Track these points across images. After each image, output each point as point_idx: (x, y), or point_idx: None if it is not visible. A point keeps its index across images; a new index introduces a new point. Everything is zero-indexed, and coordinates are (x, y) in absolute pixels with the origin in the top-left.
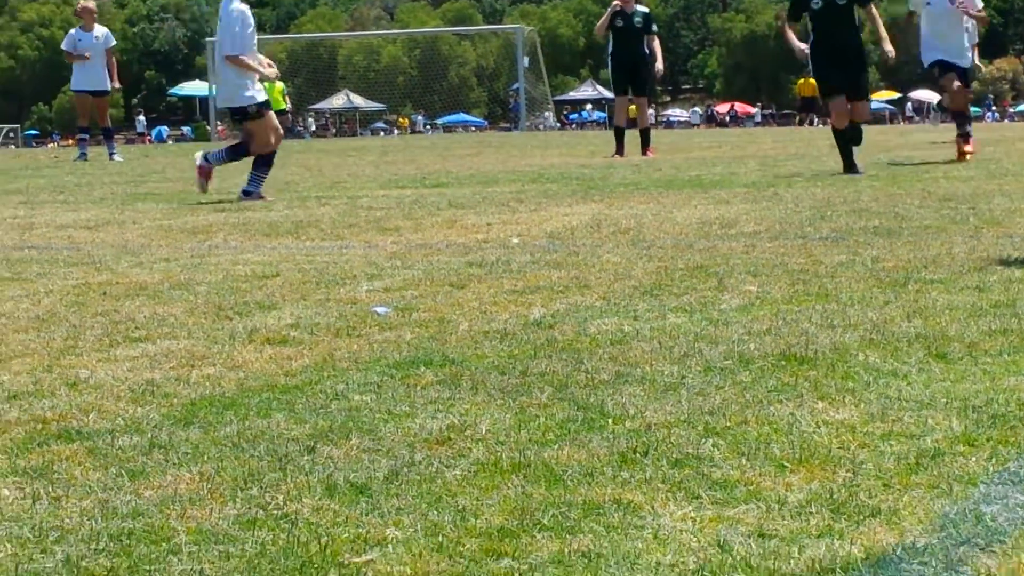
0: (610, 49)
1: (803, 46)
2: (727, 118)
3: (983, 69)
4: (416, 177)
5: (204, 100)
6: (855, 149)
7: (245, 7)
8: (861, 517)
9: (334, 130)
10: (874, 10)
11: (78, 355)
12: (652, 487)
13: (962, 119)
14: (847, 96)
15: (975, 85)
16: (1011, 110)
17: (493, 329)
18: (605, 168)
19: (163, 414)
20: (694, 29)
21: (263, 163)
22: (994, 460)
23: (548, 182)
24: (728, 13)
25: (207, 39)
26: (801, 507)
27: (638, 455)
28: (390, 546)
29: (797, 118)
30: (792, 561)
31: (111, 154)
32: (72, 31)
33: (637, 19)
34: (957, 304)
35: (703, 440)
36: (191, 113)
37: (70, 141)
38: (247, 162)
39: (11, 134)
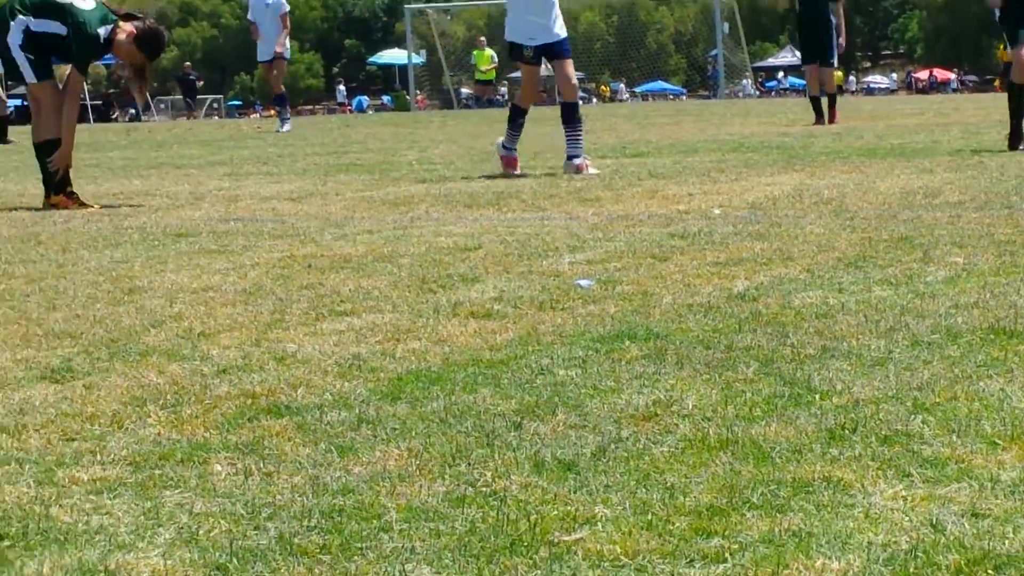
0: (797, 17)
1: None
2: (929, 84)
3: None
4: (616, 146)
5: (403, 68)
6: None
7: None
8: None
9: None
10: None
11: (285, 329)
12: (862, 465)
13: None
14: None
15: None
16: None
17: (697, 302)
18: (806, 137)
19: (370, 389)
20: None
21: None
22: None
23: (748, 151)
24: None
25: (406, 6)
26: (1015, 486)
27: (846, 432)
28: (599, 524)
29: (996, 82)
30: (1007, 541)
31: (282, 121)
32: None
33: None
34: None
35: (912, 416)
36: (390, 82)
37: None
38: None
39: (215, 104)
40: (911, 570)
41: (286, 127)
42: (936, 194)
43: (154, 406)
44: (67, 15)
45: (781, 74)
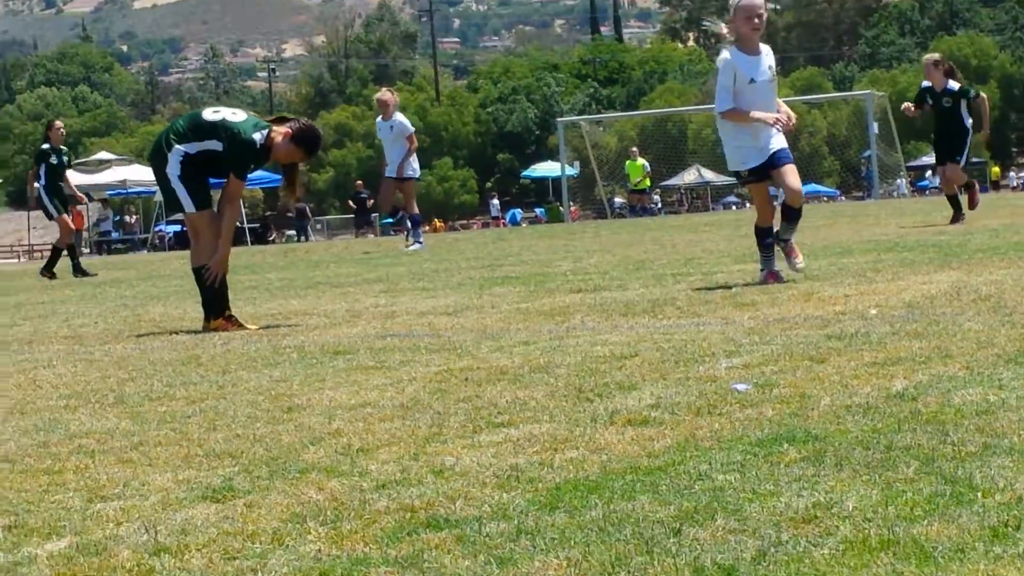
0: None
1: None
2: None
3: None
4: None
5: (556, 180)
6: None
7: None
8: None
9: (686, 205)
10: None
11: (443, 442)
12: None
13: None
14: None
15: None
16: None
17: (855, 403)
18: (963, 234)
19: (528, 499)
20: None
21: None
22: None
23: (904, 250)
24: None
25: (559, 119)
26: None
27: (1010, 529)
28: None
29: None
30: None
31: (414, 241)
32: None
33: (946, 100)
34: None
35: None
36: (543, 194)
37: (426, 228)
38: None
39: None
40: None
41: (414, 246)
42: None
43: (314, 522)
44: (221, 130)
45: (929, 173)
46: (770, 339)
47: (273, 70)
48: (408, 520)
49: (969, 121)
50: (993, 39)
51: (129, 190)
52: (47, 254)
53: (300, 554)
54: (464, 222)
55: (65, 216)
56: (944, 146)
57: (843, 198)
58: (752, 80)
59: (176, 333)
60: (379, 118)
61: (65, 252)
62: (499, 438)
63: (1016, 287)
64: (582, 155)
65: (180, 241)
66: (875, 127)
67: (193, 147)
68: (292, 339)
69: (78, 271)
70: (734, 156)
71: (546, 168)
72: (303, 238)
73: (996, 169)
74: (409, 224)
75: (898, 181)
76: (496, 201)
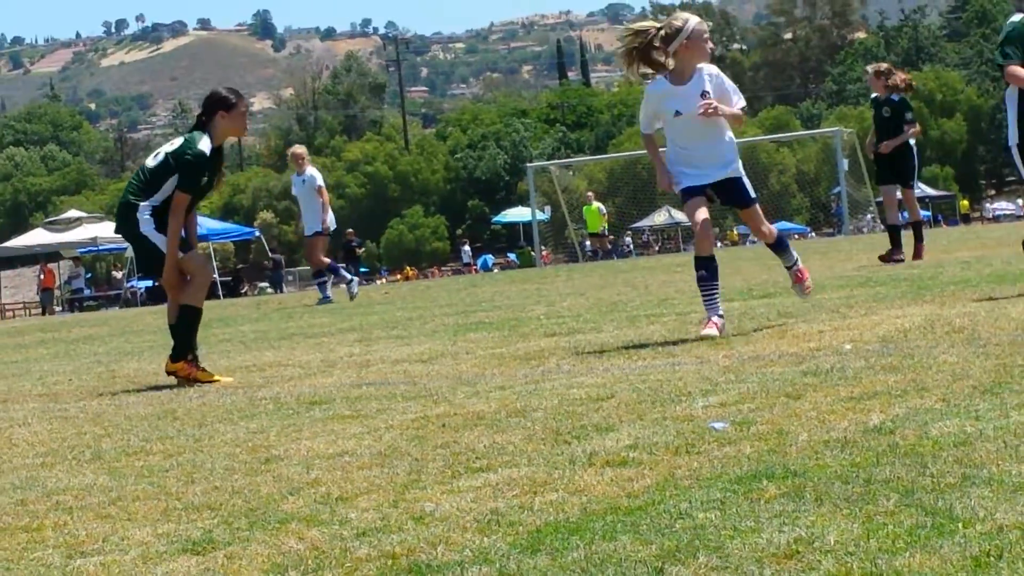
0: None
1: None
2: None
3: None
4: (743, 288)
5: (527, 225)
6: None
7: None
8: None
9: (657, 246)
10: None
11: (422, 488)
12: None
13: None
14: None
15: None
16: None
17: (833, 438)
18: (935, 267)
19: (510, 543)
20: None
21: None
22: None
23: (877, 285)
24: None
25: (528, 164)
26: None
27: (992, 558)
28: None
29: None
30: None
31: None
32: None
33: (885, 110)
34: None
35: None
36: (515, 240)
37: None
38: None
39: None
40: None
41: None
42: None
43: (295, 572)
44: (172, 163)
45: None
46: (746, 377)
47: None
48: (390, 567)
49: (912, 140)
50: (959, 73)
51: (100, 247)
52: (17, 313)
53: None
54: (434, 269)
55: None
56: (886, 164)
57: (813, 235)
58: (677, 113)
59: (152, 389)
60: (294, 174)
61: None
62: (478, 483)
63: (989, 319)
64: (552, 199)
65: (153, 297)
66: (844, 163)
67: (157, 198)
68: (267, 390)
69: None
70: (674, 177)
71: (517, 213)
72: (276, 290)
73: (965, 203)
74: (332, 275)
75: (867, 217)
76: (467, 247)
